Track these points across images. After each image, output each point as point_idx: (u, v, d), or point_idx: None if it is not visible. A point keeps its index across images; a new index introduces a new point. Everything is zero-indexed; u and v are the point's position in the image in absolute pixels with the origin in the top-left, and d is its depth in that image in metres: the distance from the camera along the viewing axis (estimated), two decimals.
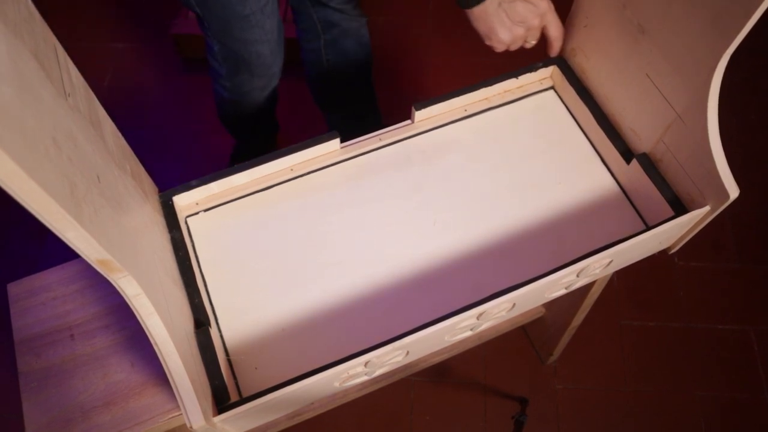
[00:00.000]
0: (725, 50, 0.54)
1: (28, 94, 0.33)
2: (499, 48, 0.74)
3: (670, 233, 0.66)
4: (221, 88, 1.17)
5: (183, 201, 0.69)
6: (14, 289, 0.66)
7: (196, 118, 1.57)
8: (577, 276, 0.63)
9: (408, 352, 0.60)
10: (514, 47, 0.75)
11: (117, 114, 0.62)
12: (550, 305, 1.14)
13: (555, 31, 0.75)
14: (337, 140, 0.72)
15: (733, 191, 0.60)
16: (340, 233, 0.69)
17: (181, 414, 0.52)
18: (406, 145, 0.75)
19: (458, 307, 0.58)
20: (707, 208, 0.63)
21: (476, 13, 0.70)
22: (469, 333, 0.64)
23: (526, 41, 0.75)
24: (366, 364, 0.57)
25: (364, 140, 0.74)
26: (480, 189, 0.72)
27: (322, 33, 1.16)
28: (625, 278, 1.38)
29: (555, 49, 0.77)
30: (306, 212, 0.70)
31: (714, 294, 1.37)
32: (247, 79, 1.12)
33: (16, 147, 0.29)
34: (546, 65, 0.78)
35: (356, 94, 1.31)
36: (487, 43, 0.74)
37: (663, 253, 0.72)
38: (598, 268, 0.64)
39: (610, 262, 0.64)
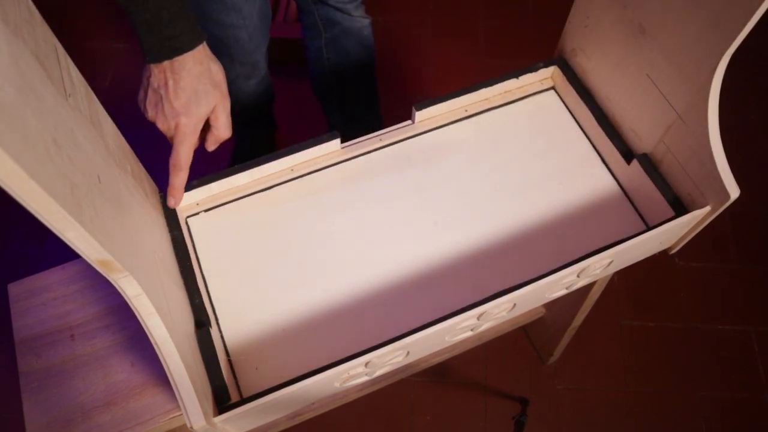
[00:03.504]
0: (726, 50, 0.54)
1: (29, 94, 0.33)
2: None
3: (671, 233, 0.66)
4: None
5: (183, 201, 0.69)
6: (15, 289, 0.66)
7: None
8: (578, 276, 0.63)
9: (408, 353, 0.60)
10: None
11: (117, 114, 0.62)
12: (551, 305, 1.14)
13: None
14: (338, 141, 0.72)
15: (734, 191, 0.60)
16: (341, 234, 0.69)
17: (182, 414, 0.52)
18: (406, 146, 0.75)
19: (458, 307, 0.58)
20: (708, 209, 0.63)
21: None
22: (469, 333, 0.64)
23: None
24: (366, 364, 0.57)
25: (365, 141, 0.74)
26: (480, 189, 0.72)
27: (324, 31, 1.16)
28: (625, 278, 1.38)
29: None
30: (306, 213, 0.70)
31: (714, 294, 1.37)
32: (227, 65, 1.11)
33: (17, 147, 0.29)
34: (546, 65, 0.78)
35: (357, 94, 1.31)
36: None
37: (663, 254, 0.72)
38: (598, 268, 0.64)
39: (611, 262, 0.64)
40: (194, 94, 0.61)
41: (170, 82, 0.60)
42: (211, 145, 0.67)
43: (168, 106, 0.61)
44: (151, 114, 0.62)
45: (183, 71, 0.60)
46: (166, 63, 0.59)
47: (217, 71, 0.63)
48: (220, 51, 1.07)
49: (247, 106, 1.25)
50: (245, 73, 1.14)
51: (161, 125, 0.62)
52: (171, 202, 0.67)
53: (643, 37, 0.64)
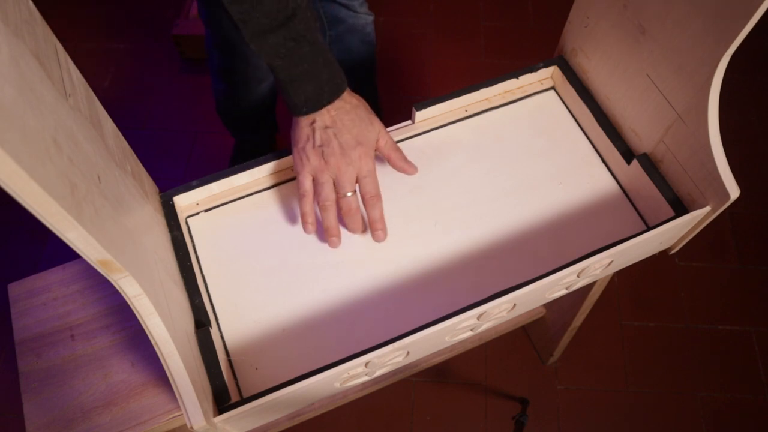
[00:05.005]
0: (726, 50, 0.54)
1: (29, 94, 0.33)
2: (300, 189, 0.64)
3: (671, 233, 0.66)
4: (218, 79, 1.17)
5: (183, 201, 0.69)
6: (15, 289, 0.66)
7: (197, 119, 1.57)
8: (578, 276, 0.63)
9: (408, 353, 0.60)
10: (318, 198, 0.64)
11: (117, 114, 0.62)
12: (551, 305, 1.14)
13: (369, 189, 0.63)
14: None
15: (734, 191, 0.60)
16: (341, 234, 0.69)
17: (182, 414, 0.52)
18: (406, 146, 0.75)
19: (459, 307, 0.58)
20: (708, 209, 0.63)
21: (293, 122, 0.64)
22: (469, 333, 0.64)
23: (339, 193, 0.64)
24: (366, 364, 0.57)
25: None
26: (480, 189, 0.72)
27: (328, 29, 1.16)
28: (625, 278, 1.38)
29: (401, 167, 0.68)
30: None
31: (714, 294, 1.37)
32: (243, 68, 1.11)
33: (17, 147, 0.29)
34: (546, 65, 0.78)
35: (358, 93, 1.31)
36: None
37: (663, 254, 0.72)
38: (598, 268, 0.64)
39: (611, 262, 0.64)
40: (361, 122, 0.63)
41: (337, 120, 0.61)
42: (411, 169, 0.68)
43: (345, 140, 0.61)
44: (331, 158, 0.61)
45: (346, 105, 0.62)
46: (328, 106, 0.61)
47: (362, 98, 0.65)
48: (242, 55, 1.08)
49: (255, 109, 1.25)
50: (259, 76, 1.14)
51: (343, 165, 0.61)
52: (380, 236, 0.66)
53: (643, 37, 0.64)
